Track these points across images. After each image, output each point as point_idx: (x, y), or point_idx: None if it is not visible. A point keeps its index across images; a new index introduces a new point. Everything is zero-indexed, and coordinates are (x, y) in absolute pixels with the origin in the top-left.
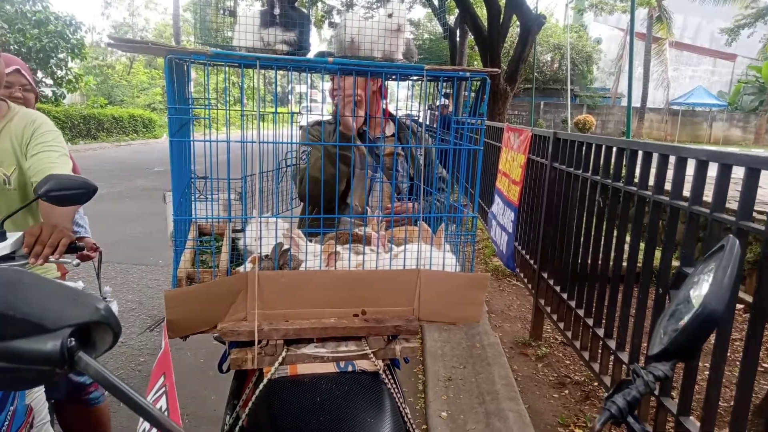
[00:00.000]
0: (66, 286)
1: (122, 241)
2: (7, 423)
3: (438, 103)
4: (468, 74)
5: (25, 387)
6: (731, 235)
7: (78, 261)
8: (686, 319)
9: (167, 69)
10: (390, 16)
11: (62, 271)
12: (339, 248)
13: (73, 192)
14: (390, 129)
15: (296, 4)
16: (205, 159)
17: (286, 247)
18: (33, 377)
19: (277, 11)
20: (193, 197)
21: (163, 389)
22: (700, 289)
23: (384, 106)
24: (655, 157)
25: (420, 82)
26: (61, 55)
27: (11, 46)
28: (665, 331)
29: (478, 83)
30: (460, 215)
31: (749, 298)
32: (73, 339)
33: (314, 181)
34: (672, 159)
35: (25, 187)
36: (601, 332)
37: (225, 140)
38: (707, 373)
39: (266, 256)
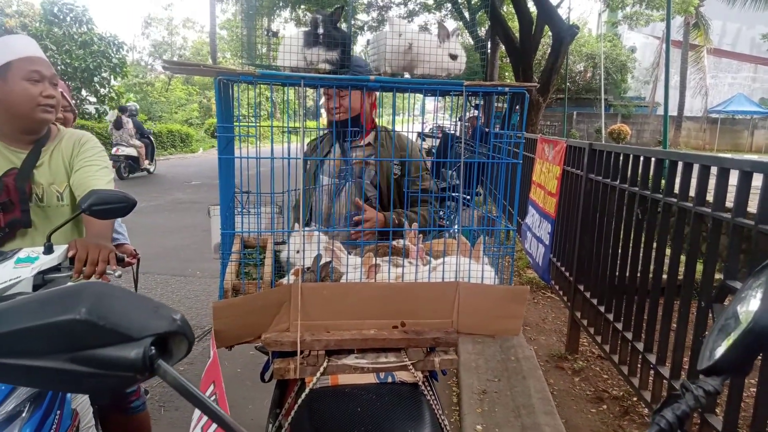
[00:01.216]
0: (148, 299)
1: (162, 253)
2: (54, 426)
3: (469, 115)
4: (507, 89)
5: (106, 392)
6: None
7: (120, 272)
8: (735, 334)
9: (217, 89)
10: (455, 57)
11: (105, 279)
12: (378, 261)
13: (115, 206)
14: (369, 138)
15: (339, 25)
16: (248, 173)
17: (327, 259)
18: (116, 383)
19: (320, 31)
20: (237, 210)
21: (214, 397)
22: (748, 305)
23: (374, 116)
24: (696, 167)
25: (450, 94)
26: (104, 74)
27: (59, 66)
28: (714, 346)
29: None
30: (498, 228)
31: None
32: (153, 348)
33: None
34: (714, 170)
35: (75, 201)
36: (640, 346)
37: (269, 157)
38: (753, 389)
39: (308, 268)
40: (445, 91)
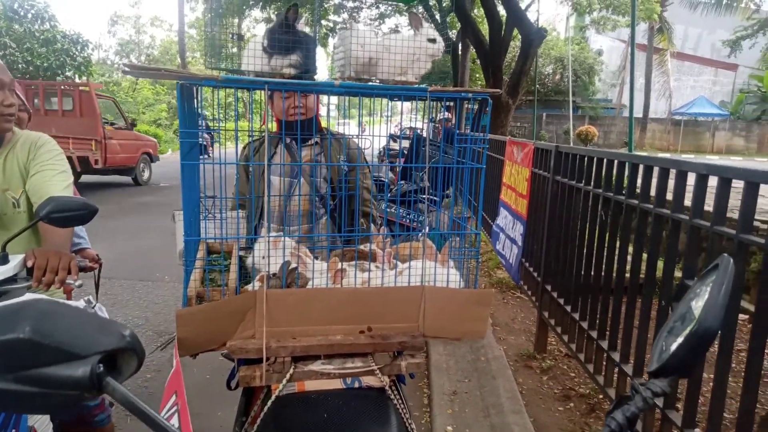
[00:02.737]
0: (94, 315)
1: (128, 257)
2: None
3: (440, 117)
4: (471, 95)
5: (53, 411)
6: (726, 254)
7: (81, 282)
8: (682, 336)
9: (179, 94)
10: (433, 41)
11: (66, 289)
12: (345, 265)
13: (74, 213)
14: (314, 139)
15: (297, 25)
16: (213, 179)
17: (293, 265)
18: (63, 402)
19: (280, 35)
20: (202, 216)
21: (176, 407)
22: (694, 307)
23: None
24: (656, 170)
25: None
26: (68, 73)
27: (19, 65)
28: (664, 347)
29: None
30: (464, 232)
31: (753, 308)
32: (101, 365)
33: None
34: (673, 172)
35: (32, 208)
36: (605, 344)
37: (234, 162)
38: (712, 384)
39: (274, 274)
40: (410, 96)
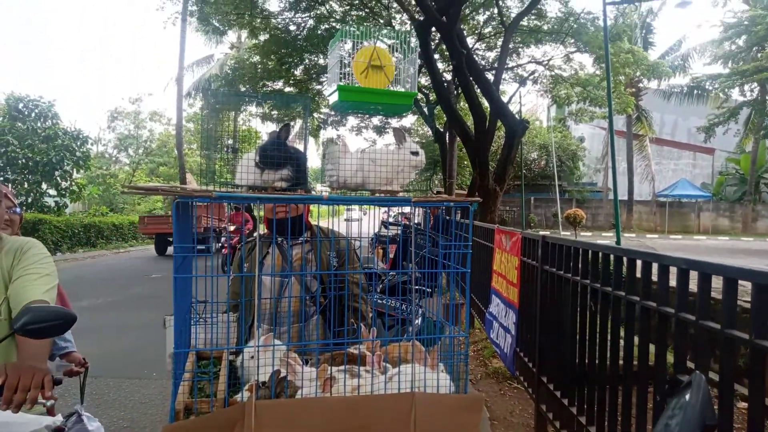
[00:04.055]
0: None
1: (117, 353)
2: None
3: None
4: (452, 204)
5: None
6: (697, 372)
7: (53, 402)
8: None
9: (174, 211)
10: (416, 153)
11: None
12: (335, 370)
13: (51, 324)
14: (304, 237)
15: (287, 142)
16: (205, 287)
17: (283, 374)
18: None
19: (271, 152)
20: (193, 321)
21: None
22: (674, 424)
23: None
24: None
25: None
26: (66, 167)
27: (20, 161)
28: None
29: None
30: (451, 335)
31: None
32: None
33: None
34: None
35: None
36: None
37: (225, 275)
38: None
39: (263, 383)
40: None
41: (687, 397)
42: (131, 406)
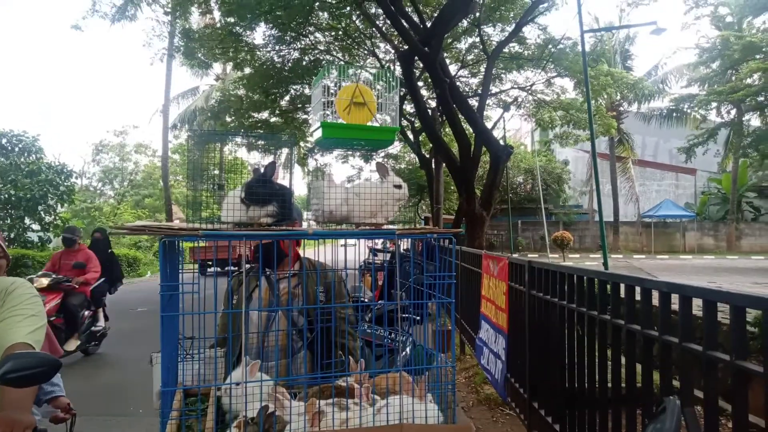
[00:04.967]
0: None
1: (103, 390)
2: None
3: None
4: (435, 235)
5: None
6: (672, 397)
7: None
8: None
9: (161, 250)
10: (399, 187)
11: None
12: (323, 404)
13: (33, 371)
14: (294, 268)
15: (273, 177)
16: (193, 322)
17: (271, 409)
18: None
19: (257, 188)
20: (180, 357)
21: None
22: None
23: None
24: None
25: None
26: (50, 202)
27: (2, 196)
28: None
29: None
30: (438, 366)
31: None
32: None
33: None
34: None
35: None
36: None
37: (213, 311)
38: None
39: (252, 419)
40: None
41: (662, 422)
42: None
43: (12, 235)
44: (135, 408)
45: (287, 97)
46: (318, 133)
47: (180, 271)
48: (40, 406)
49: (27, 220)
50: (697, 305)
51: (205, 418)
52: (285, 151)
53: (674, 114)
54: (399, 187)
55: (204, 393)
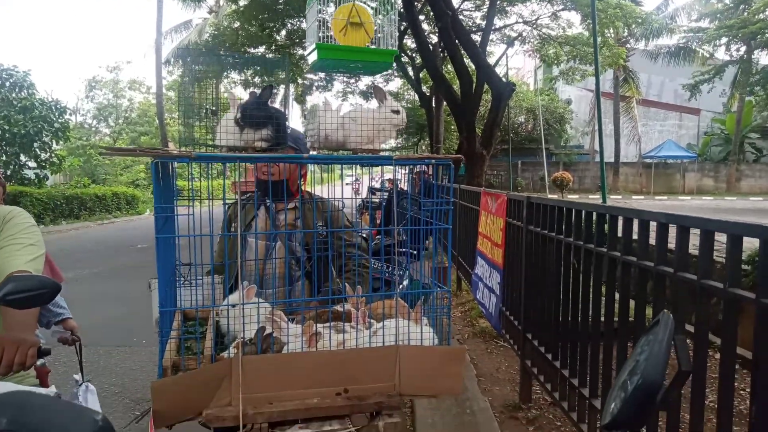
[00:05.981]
0: (68, 404)
1: (105, 323)
2: None
3: (417, 169)
4: (433, 161)
5: None
6: (665, 311)
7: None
8: (629, 391)
9: (154, 171)
10: (397, 112)
11: (43, 371)
12: (320, 327)
13: (34, 293)
14: (293, 202)
15: (269, 102)
16: (189, 247)
17: (268, 331)
18: None
19: (252, 111)
20: (178, 284)
21: None
22: (639, 362)
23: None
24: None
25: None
26: (45, 139)
27: None
28: (614, 401)
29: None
30: (434, 290)
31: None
32: None
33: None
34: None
35: None
36: (586, 392)
37: (209, 234)
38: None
39: (249, 340)
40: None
41: (655, 334)
42: (122, 372)
43: (8, 172)
44: (138, 339)
45: (283, 32)
46: (314, 56)
47: (175, 197)
48: (49, 328)
49: (23, 158)
50: (693, 244)
51: (203, 340)
52: (282, 90)
53: (682, 51)
54: (397, 112)
55: (203, 317)
